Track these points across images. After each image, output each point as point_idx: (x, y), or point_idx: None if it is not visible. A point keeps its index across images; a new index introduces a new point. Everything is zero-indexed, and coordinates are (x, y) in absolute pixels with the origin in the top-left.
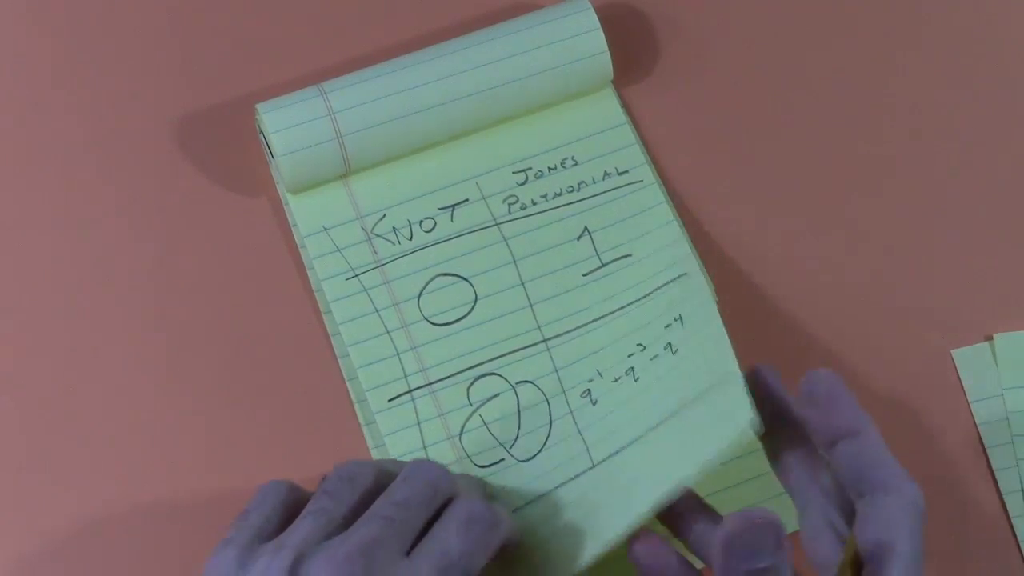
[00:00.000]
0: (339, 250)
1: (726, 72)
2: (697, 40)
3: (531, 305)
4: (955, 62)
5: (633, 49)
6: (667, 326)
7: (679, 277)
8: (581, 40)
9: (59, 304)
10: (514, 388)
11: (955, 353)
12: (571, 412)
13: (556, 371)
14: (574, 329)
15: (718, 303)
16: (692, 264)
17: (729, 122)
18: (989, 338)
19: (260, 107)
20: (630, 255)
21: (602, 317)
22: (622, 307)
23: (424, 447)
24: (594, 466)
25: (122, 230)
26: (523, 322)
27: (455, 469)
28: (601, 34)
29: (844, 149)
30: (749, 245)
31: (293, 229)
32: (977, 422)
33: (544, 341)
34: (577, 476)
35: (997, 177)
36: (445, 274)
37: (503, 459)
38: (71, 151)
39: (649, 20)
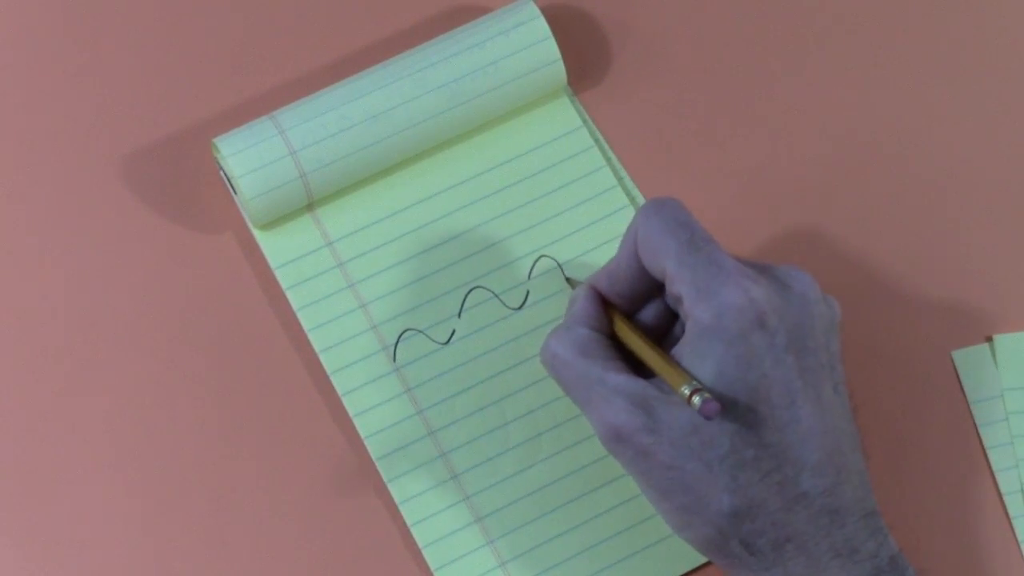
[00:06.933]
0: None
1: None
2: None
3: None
4: (953, 59)
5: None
6: None
7: None
8: (533, 51)
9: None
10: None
11: (955, 353)
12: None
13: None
14: None
15: None
16: None
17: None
18: (989, 338)
19: (220, 145)
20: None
21: None
22: None
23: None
24: None
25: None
26: None
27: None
28: (553, 43)
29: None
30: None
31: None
32: (977, 422)
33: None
34: None
35: (997, 177)
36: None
37: None
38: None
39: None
